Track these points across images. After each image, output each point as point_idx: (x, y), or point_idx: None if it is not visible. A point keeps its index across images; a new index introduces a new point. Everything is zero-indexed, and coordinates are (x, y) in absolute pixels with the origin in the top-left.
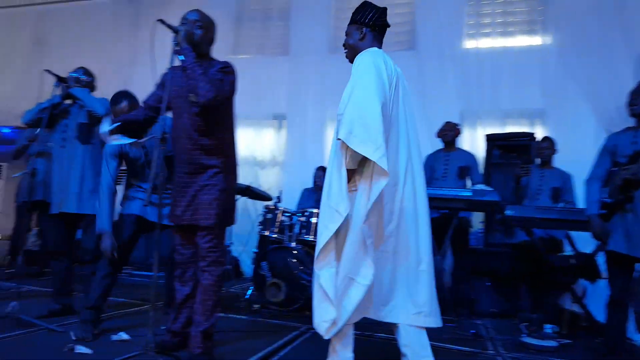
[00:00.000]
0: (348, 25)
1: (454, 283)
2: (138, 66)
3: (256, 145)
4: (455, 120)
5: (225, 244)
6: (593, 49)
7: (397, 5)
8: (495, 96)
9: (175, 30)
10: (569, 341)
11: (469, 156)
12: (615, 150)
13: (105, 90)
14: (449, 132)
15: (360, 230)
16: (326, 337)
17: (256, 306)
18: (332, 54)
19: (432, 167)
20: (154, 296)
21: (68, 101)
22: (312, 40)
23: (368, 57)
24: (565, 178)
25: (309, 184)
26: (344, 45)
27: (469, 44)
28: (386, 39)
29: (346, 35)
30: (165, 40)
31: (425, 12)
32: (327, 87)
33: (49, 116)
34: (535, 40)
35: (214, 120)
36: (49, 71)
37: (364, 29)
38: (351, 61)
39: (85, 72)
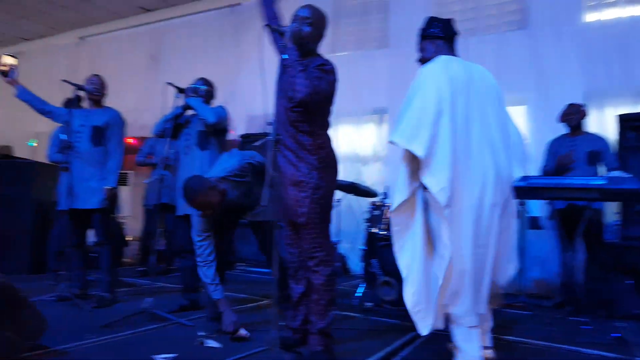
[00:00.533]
0: (420, 42)
1: (589, 281)
2: (243, 72)
3: (357, 141)
4: (579, 101)
5: (331, 241)
6: None
7: None
8: (626, 72)
9: (280, 32)
10: None
11: (599, 140)
12: None
13: (217, 96)
14: (574, 115)
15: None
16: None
17: (369, 304)
18: None
19: (556, 154)
20: (275, 293)
21: (190, 111)
22: (412, 30)
23: (430, 67)
24: None
25: None
26: (420, 60)
27: (591, 17)
28: (494, 20)
29: (421, 51)
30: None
31: None
32: None
33: (172, 126)
34: None
35: (312, 117)
36: (170, 83)
37: (437, 41)
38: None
39: (205, 82)
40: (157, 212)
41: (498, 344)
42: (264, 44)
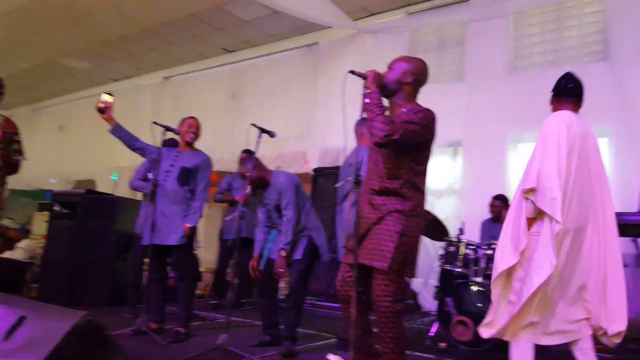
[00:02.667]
0: (552, 97)
1: None
2: (319, 107)
3: (432, 173)
4: None
5: (403, 289)
6: None
7: (585, 14)
8: None
9: (363, 76)
10: None
11: None
12: None
13: (290, 133)
14: None
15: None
16: None
17: (442, 345)
18: (510, 74)
19: None
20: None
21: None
22: (488, 62)
23: (551, 122)
24: None
25: (489, 214)
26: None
27: None
28: (575, 52)
29: (551, 103)
30: (350, 88)
31: (620, 18)
32: (507, 108)
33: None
34: None
35: (396, 163)
36: (254, 125)
37: (552, 97)
38: None
39: None
40: (235, 246)
41: None
42: (340, 80)
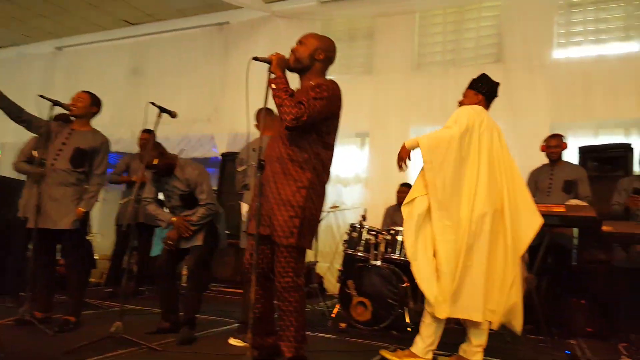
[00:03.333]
0: (467, 88)
1: (548, 302)
2: (229, 90)
3: (339, 162)
4: (544, 131)
5: (304, 265)
6: None
7: (483, 18)
8: (588, 107)
9: (267, 61)
10: None
11: (577, 169)
12: None
13: (197, 115)
14: (556, 148)
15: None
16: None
17: (343, 325)
18: (415, 71)
19: (536, 182)
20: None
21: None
22: (395, 58)
23: (468, 110)
24: None
25: (392, 201)
26: (460, 102)
27: (559, 53)
28: (473, 53)
29: (463, 96)
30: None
31: (512, 24)
32: (411, 104)
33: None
34: (632, 46)
35: (303, 139)
36: (153, 103)
37: (481, 96)
38: None
39: None
40: (132, 232)
41: None
42: (249, 63)
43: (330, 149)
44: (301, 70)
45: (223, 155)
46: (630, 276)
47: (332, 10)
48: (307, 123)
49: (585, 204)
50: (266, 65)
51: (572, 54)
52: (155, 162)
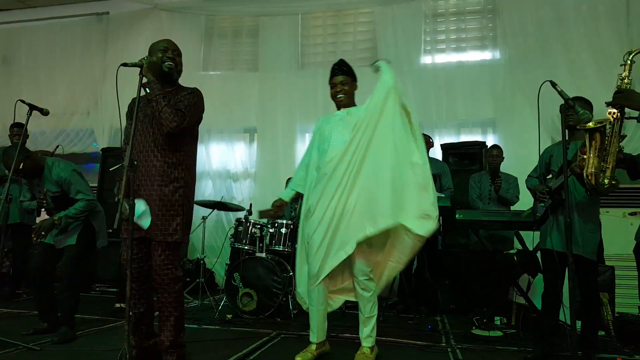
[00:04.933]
0: (345, 77)
1: (418, 283)
2: (108, 83)
3: (229, 158)
4: None
5: (180, 258)
6: (537, 62)
7: (359, 23)
8: (451, 108)
9: (139, 65)
10: (513, 331)
11: (439, 164)
12: (549, 160)
13: (75, 108)
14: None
15: None
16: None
17: (229, 316)
18: (299, 70)
19: None
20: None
21: None
22: (280, 57)
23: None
24: (511, 180)
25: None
26: (343, 92)
27: (426, 59)
28: (351, 55)
29: (345, 84)
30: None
31: (385, 31)
32: (295, 102)
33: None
34: (486, 55)
35: (178, 141)
36: (23, 101)
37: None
38: (347, 103)
39: None
40: (5, 232)
41: (337, 341)
42: (128, 56)
43: (196, 147)
44: (171, 81)
45: (104, 150)
46: (481, 258)
47: (216, 7)
48: (187, 128)
49: (442, 195)
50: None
51: (437, 59)
52: (21, 166)
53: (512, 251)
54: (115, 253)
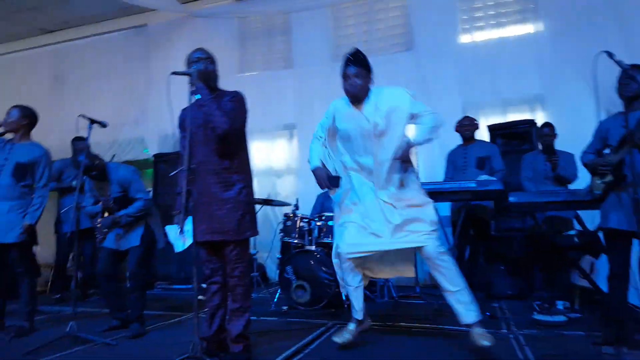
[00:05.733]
0: (359, 68)
1: (471, 270)
2: (153, 92)
3: (271, 155)
4: (458, 113)
5: (250, 253)
6: (585, 32)
7: (391, 9)
8: (495, 86)
9: (188, 74)
10: (578, 315)
11: (488, 146)
12: (606, 134)
13: (125, 118)
14: (468, 127)
15: None
16: None
17: (284, 308)
18: (334, 62)
19: (453, 162)
20: (196, 305)
21: None
22: (314, 51)
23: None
24: (567, 157)
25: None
26: (357, 86)
27: (465, 38)
28: (384, 42)
29: (359, 77)
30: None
31: (419, 13)
32: (332, 94)
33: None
34: (529, 28)
35: (232, 144)
36: (84, 116)
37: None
38: (360, 95)
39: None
40: (75, 239)
41: (395, 329)
42: (171, 65)
43: (248, 148)
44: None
45: (155, 156)
46: (538, 241)
47: (248, 8)
48: (237, 130)
49: (493, 178)
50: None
51: (477, 38)
52: (91, 168)
53: (571, 232)
54: (172, 253)
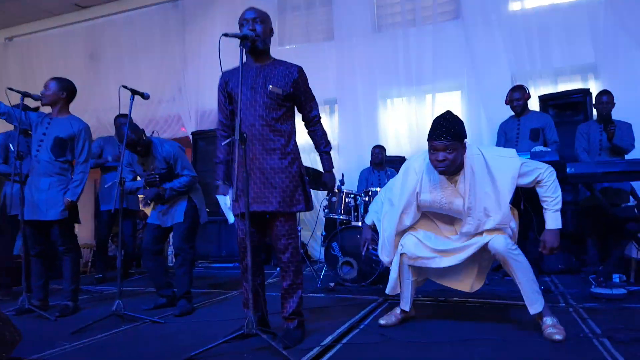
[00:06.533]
0: (451, 142)
1: (520, 244)
2: (190, 67)
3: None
4: (507, 83)
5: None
6: None
7: None
8: (546, 55)
9: (241, 37)
10: (637, 288)
11: (542, 117)
12: None
13: (161, 95)
14: (519, 100)
15: None
16: None
17: (331, 285)
18: (376, 33)
19: (505, 134)
20: (249, 279)
21: None
22: (355, 22)
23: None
24: (624, 127)
25: (366, 164)
26: (448, 162)
27: (514, 5)
28: (431, 11)
29: (451, 150)
30: (211, 44)
31: None
32: (375, 67)
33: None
34: None
35: (284, 115)
36: (125, 87)
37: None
38: (452, 173)
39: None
40: (119, 215)
41: (447, 304)
42: (208, 40)
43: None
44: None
45: (193, 133)
46: (594, 214)
47: None
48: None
49: (548, 149)
50: (227, 42)
51: (527, 4)
52: (137, 142)
53: (629, 204)
54: (213, 231)
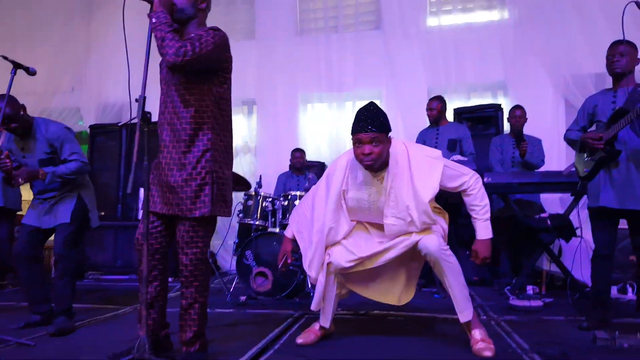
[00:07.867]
0: (377, 134)
1: None
2: (94, 55)
3: None
4: (424, 94)
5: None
6: (547, 21)
7: None
8: (460, 71)
9: (149, 1)
10: (550, 299)
11: (460, 128)
12: (594, 110)
13: (59, 85)
14: (435, 110)
15: None
16: None
17: (242, 298)
18: (299, 36)
19: (424, 142)
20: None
21: None
22: (277, 23)
23: None
24: (535, 143)
25: (284, 168)
26: (374, 155)
27: (432, 21)
28: (353, 20)
29: (377, 143)
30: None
31: None
32: (296, 70)
33: None
34: (494, 15)
35: (200, 93)
36: (6, 57)
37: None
38: (377, 168)
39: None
40: None
41: (368, 318)
42: (116, 29)
43: (228, 106)
44: (184, 21)
45: (92, 127)
46: (508, 225)
47: None
48: (193, 63)
49: (466, 159)
50: (142, 28)
51: (444, 21)
52: (13, 118)
53: (542, 215)
54: (108, 238)
